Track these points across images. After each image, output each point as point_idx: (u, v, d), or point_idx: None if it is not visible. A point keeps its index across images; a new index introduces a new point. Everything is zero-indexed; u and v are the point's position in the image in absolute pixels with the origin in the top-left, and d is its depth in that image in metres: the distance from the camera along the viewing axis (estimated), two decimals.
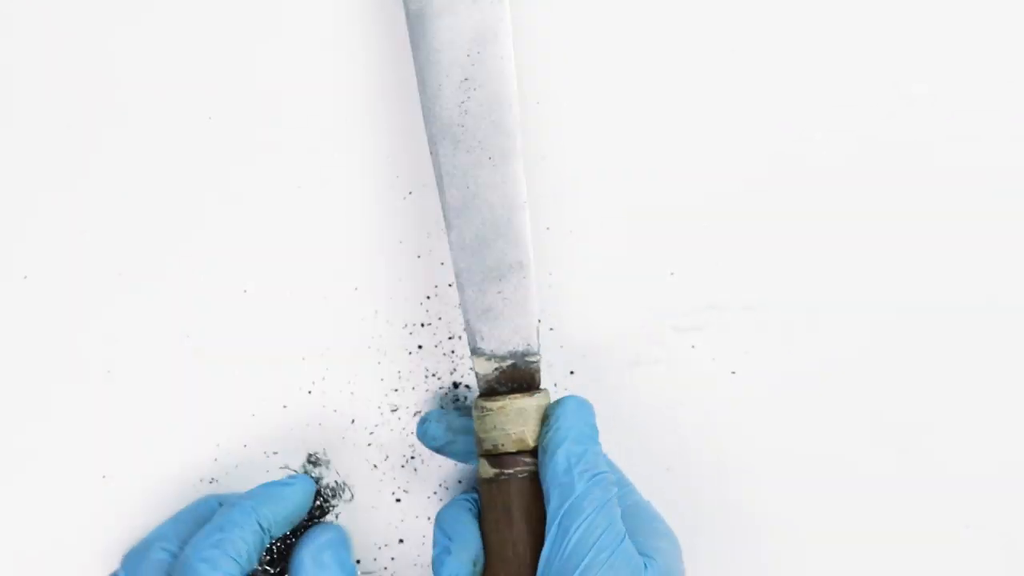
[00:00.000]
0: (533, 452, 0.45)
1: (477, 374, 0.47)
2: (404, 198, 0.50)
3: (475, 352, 0.47)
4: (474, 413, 0.46)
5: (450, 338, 0.51)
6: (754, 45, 0.50)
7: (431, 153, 0.46)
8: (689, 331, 0.51)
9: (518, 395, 0.46)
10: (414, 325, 0.51)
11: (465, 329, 0.47)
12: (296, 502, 0.47)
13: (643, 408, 0.50)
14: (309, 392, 0.50)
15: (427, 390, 0.51)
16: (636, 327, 0.51)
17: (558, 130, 0.50)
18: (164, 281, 0.50)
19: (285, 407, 0.50)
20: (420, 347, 0.51)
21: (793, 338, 0.50)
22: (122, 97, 0.50)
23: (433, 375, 0.51)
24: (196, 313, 0.50)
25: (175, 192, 0.50)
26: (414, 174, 0.50)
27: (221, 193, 0.50)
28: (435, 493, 0.51)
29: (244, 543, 0.45)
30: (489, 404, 0.45)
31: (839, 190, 0.50)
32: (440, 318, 0.50)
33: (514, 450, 0.45)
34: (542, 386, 0.47)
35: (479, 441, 0.46)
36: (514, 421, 0.45)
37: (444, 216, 0.46)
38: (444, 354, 0.51)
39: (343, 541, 0.48)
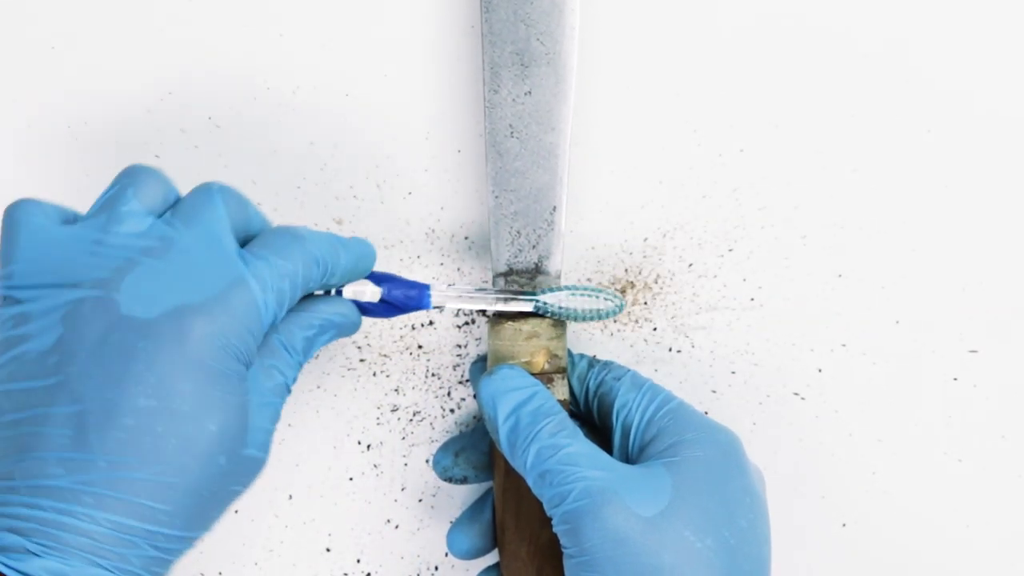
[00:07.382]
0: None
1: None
2: (404, 198, 0.50)
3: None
4: (489, 331, 0.47)
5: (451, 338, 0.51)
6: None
7: (483, 81, 0.47)
8: (689, 331, 0.51)
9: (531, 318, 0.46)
10: (414, 325, 0.51)
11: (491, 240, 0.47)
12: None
13: None
14: (310, 392, 0.51)
15: (427, 390, 0.51)
16: (636, 326, 0.51)
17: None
18: None
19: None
20: (420, 347, 0.51)
21: (793, 338, 0.50)
22: (121, 95, 0.50)
23: (433, 375, 0.51)
24: None
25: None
26: (414, 174, 0.50)
27: None
28: (433, 496, 0.51)
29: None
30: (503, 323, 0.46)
31: (840, 190, 0.50)
32: (440, 318, 0.51)
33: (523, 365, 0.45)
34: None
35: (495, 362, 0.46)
36: (527, 341, 0.46)
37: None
38: (444, 354, 0.51)
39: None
